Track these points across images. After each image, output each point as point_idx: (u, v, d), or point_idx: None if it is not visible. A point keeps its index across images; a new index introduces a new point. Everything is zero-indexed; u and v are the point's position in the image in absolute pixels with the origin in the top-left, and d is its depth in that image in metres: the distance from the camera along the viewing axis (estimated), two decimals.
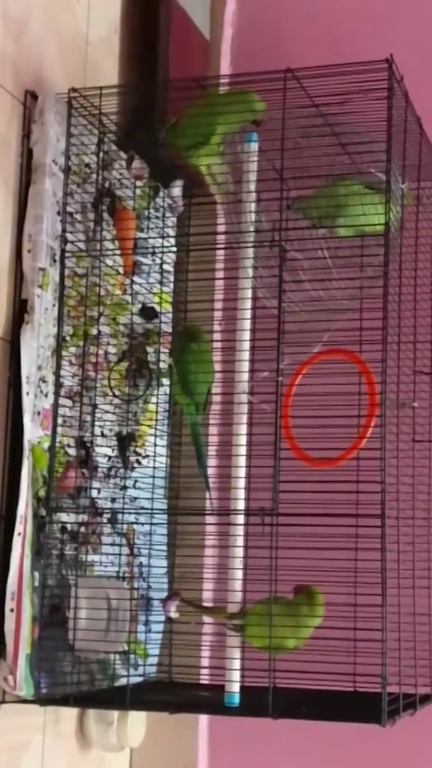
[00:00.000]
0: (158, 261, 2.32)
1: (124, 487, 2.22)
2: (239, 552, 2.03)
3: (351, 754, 2.38)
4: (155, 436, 2.27)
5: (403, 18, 2.57)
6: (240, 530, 2.03)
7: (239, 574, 2.04)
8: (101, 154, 2.14)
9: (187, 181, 2.21)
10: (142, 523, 2.25)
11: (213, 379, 2.19)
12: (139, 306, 2.30)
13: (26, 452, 1.93)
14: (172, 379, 2.20)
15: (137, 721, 2.26)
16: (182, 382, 2.16)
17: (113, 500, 2.18)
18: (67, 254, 2.04)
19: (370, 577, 1.87)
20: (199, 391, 2.17)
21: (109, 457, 2.19)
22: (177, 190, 2.27)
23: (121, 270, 2.21)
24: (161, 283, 2.34)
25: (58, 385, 2.01)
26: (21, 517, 1.91)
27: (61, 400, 2.02)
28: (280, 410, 1.94)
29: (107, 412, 2.16)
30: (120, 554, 2.17)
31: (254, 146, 2.11)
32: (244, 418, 2.05)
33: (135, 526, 2.25)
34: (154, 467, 2.27)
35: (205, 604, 2.23)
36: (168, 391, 2.30)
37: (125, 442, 2.23)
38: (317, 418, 1.98)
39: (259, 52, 2.62)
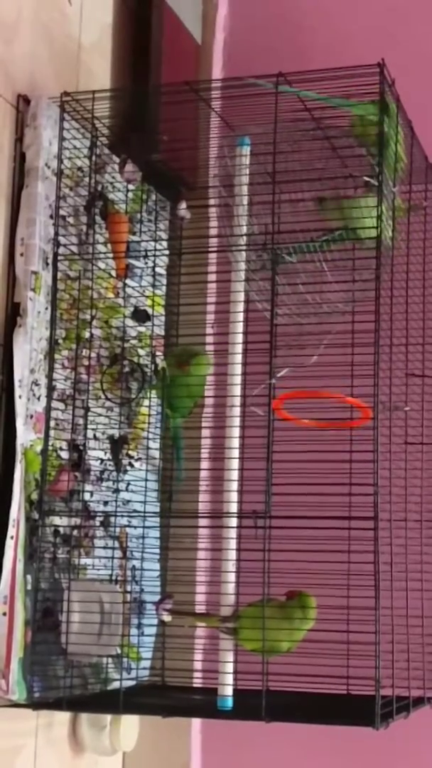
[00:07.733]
0: (151, 264, 2.33)
1: (117, 490, 2.21)
2: (232, 555, 2.03)
3: (344, 757, 2.38)
4: (148, 438, 2.27)
5: (394, 23, 2.57)
6: (233, 533, 2.03)
7: (232, 577, 2.03)
8: (94, 158, 2.14)
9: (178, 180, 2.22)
10: (135, 526, 2.24)
11: (200, 397, 2.21)
12: (132, 309, 2.30)
13: (19, 455, 1.93)
14: (165, 382, 2.20)
15: (130, 724, 2.26)
16: (168, 400, 2.19)
17: (106, 503, 2.18)
18: (59, 257, 2.04)
19: (363, 580, 1.87)
20: (181, 412, 2.20)
21: (102, 460, 2.19)
22: (183, 208, 2.30)
23: (113, 273, 2.21)
24: (154, 286, 2.34)
25: (51, 388, 2.01)
26: (13, 521, 1.90)
27: (54, 403, 2.02)
28: (272, 414, 1.95)
29: (100, 415, 2.16)
30: (113, 557, 2.17)
31: (246, 150, 2.11)
32: (237, 421, 2.05)
33: (128, 529, 2.25)
34: (147, 470, 2.27)
35: (197, 610, 2.23)
36: (161, 394, 2.30)
37: (118, 445, 2.23)
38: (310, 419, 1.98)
39: (250, 56, 2.62)
